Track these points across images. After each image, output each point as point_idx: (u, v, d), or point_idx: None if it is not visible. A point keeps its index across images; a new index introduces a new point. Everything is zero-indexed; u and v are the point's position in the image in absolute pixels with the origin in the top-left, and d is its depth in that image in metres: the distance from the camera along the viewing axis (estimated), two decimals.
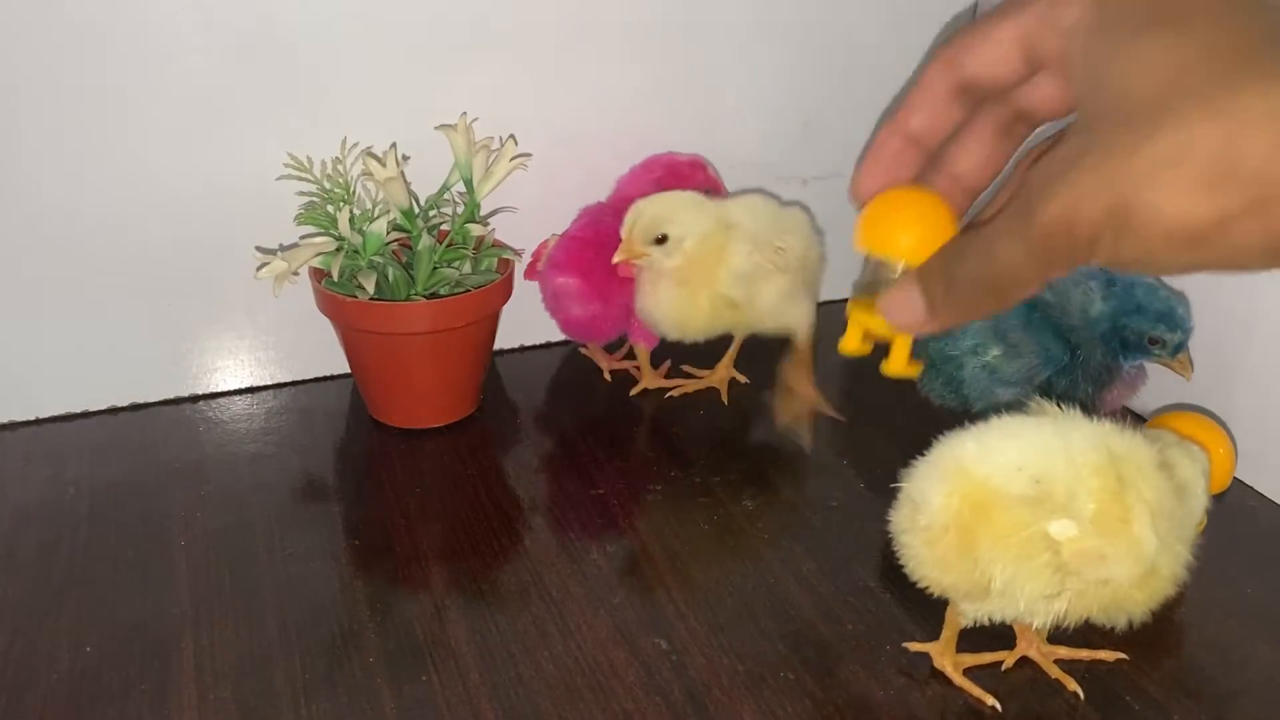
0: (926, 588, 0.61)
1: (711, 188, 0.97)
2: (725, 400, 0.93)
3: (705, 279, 0.85)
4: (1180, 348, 0.78)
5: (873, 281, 0.58)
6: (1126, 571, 0.57)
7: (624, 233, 0.85)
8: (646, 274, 0.87)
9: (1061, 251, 0.40)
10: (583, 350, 1.01)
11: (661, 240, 0.84)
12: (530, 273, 0.96)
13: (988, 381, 0.81)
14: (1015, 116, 0.49)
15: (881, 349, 0.54)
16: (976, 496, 0.57)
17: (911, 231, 0.54)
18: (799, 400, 0.89)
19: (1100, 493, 0.56)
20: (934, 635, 0.67)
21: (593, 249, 0.90)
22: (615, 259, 0.85)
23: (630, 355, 0.98)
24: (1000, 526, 0.57)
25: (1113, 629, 0.61)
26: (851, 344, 0.59)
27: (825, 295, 0.99)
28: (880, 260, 0.57)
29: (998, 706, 0.62)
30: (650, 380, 0.96)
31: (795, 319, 0.90)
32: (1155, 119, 0.38)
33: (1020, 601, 0.58)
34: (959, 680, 0.63)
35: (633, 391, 0.95)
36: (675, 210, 0.85)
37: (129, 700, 0.62)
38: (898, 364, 0.57)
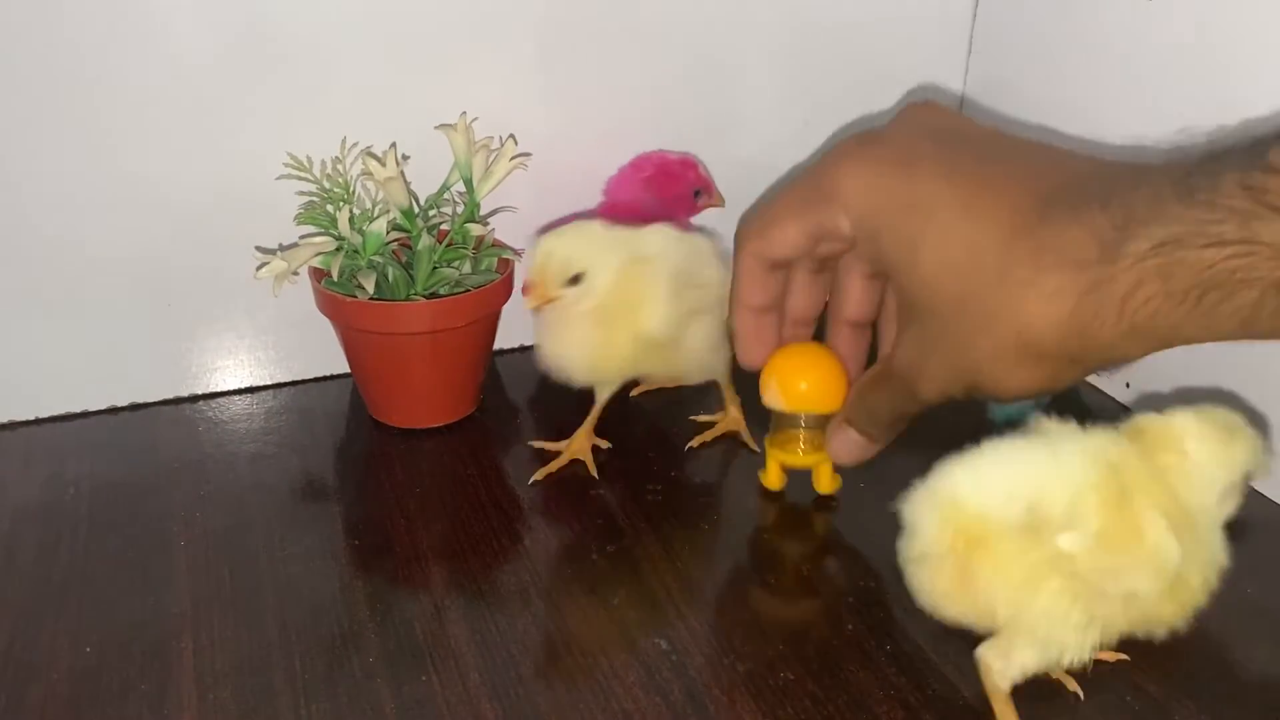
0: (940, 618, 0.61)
1: (702, 187, 0.97)
2: (594, 473, 0.83)
3: (626, 319, 0.78)
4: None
5: (782, 426, 0.78)
6: (1150, 584, 0.56)
7: (534, 275, 0.77)
8: (554, 316, 0.79)
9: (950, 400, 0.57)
10: None
11: (575, 280, 0.76)
12: None
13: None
14: (818, 265, 0.65)
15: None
16: (972, 530, 0.57)
17: (810, 385, 0.72)
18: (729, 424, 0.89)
19: (1102, 507, 0.55)
20: (934, 635, 0.67)
21: None
22: (529, 305, 0.78)
23: None
24: (999, 556, 0.56)
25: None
26: (773, 479, 0.80)
27: None
28: (787, 412, 0.75)
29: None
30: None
31: (718, 366, 0.85)
32: (968, 312, 0.51)
33: (1047, 638, 0.57)
34: None
35: (633, 393, 0.95)
36: (587, 246, 0.78)
37: (129, 700, 0.61)
38: (825, 483, 0.79)
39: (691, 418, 0.91)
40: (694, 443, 0.87)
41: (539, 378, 0.98)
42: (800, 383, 0.73)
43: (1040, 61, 0.99)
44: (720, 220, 1.00)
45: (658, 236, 0.81)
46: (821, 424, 0.75)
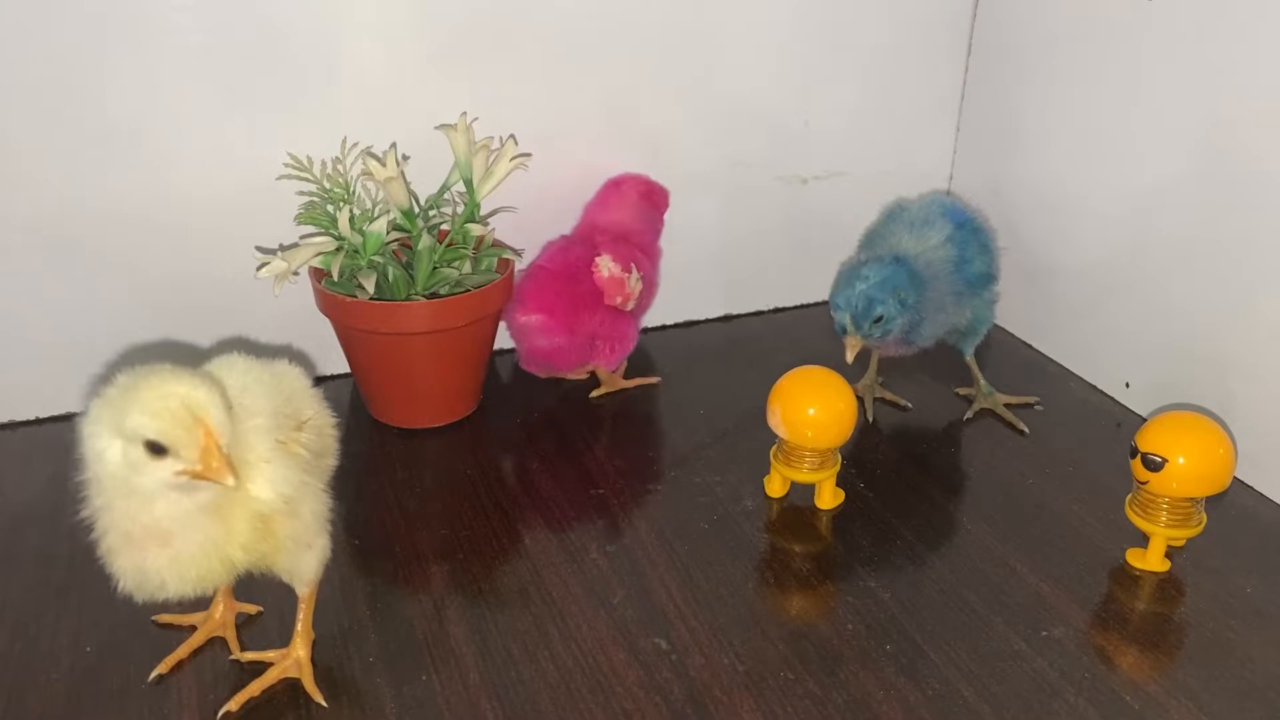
0: None
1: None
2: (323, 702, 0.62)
3: (237, 493, 0.55)
4: (843, 329, 0.83)
5: (787, 446, 0.78)
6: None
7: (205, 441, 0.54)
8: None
9: None
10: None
11: (158, 450, 0.52)
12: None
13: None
14: None
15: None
16: None
17: (816, 417, 0.76)
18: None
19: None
20: (933, 634, 0.67)
21: (560, 280, 0.91)
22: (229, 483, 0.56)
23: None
24: None
25: None
26: (776, 488, 0.81)
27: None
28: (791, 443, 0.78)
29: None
30: (610, 383, 0.96)
31: (316, 557, 0.62)
32: None
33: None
34: None
35: (593, 394, 0.95)
36: (161, 399, 0.53)
37: (129, 700, 0.62)
38: (827, 499, 0.80)
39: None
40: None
41: (539, 378, 0.99)
42: (807, 411, 0.76)
43: (1040, 62, 0.99)
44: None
45: (237, 374, 0.61)
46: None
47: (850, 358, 0.83)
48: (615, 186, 0.97)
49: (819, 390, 0.77)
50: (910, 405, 0.94)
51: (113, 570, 0.56)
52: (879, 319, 0.81)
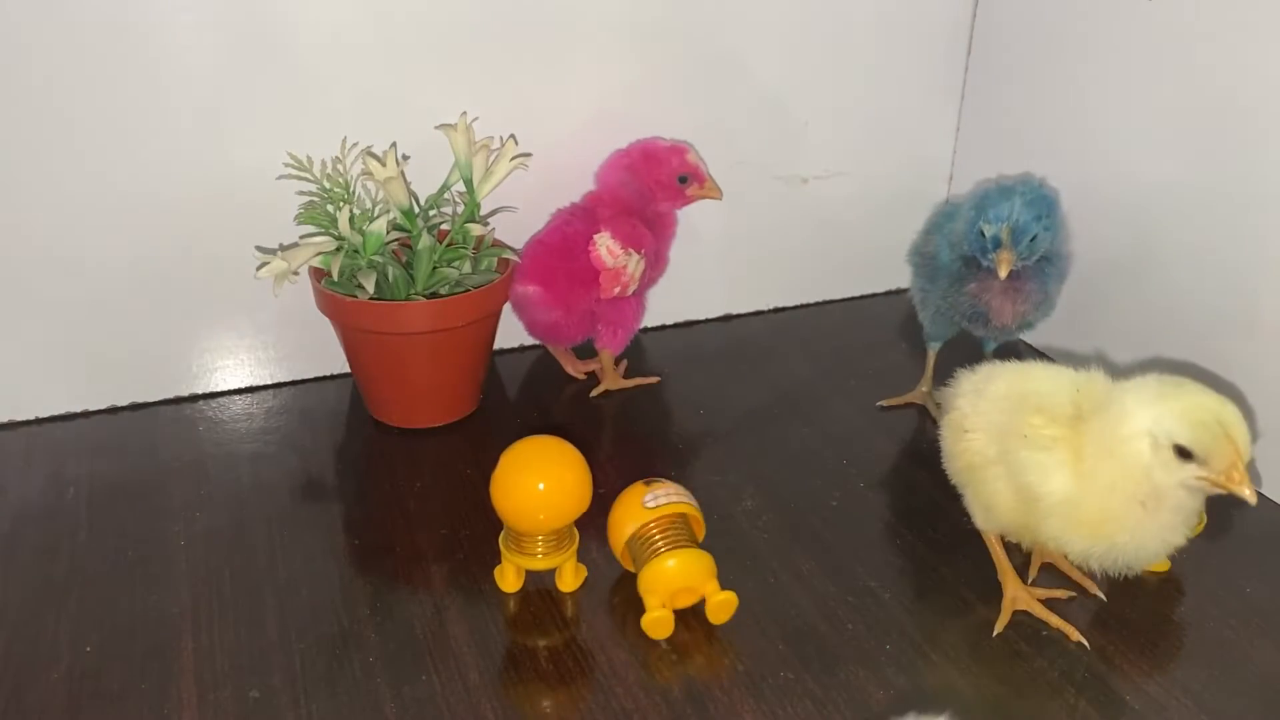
0: None
1: (691, 174, 0.94)
2: None
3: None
4: (996, 243, 0.80)
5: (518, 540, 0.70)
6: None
7: None
8: None
9: None
10: (553, 352, 1.01)
11: (1185, 455, 0.59)
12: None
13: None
14: None
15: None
16: None
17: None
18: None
19: None
20: (934, 635, 0.67)
21: (557, 256, 0.90)
22: None
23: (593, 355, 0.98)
24: None
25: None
26: (509, 582, 0.72)
27: (836, 294, 0.98)
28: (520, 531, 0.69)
29: (1085, 642, 0.66)
30: (611, 381, 0.96)
31: None
32: None
33: None
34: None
35: (593, 393, 0.95)
36: None
37: (129, 700, 0.62)
38: (569, 581, 0.72)
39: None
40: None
41: (539, 378, 0.99)
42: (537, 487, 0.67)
43: (1040, 62, 0.99)
44: (718, 211, 1.00)
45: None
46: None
47: (1004, 273, 0.79)
48: (620, 151, 0.94)
49: (542, 466, 0.68)
50: None
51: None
52: (1034, 237, 0.79)
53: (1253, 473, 0.81)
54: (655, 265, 0.95)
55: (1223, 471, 0.58)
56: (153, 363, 0.91)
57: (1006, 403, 0.66)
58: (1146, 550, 0.62)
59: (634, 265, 0.91)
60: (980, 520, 0.70)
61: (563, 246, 0.90)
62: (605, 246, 0.89)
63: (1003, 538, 0.71)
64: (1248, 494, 0.57)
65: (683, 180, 0.94)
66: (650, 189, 0.93)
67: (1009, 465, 0.64)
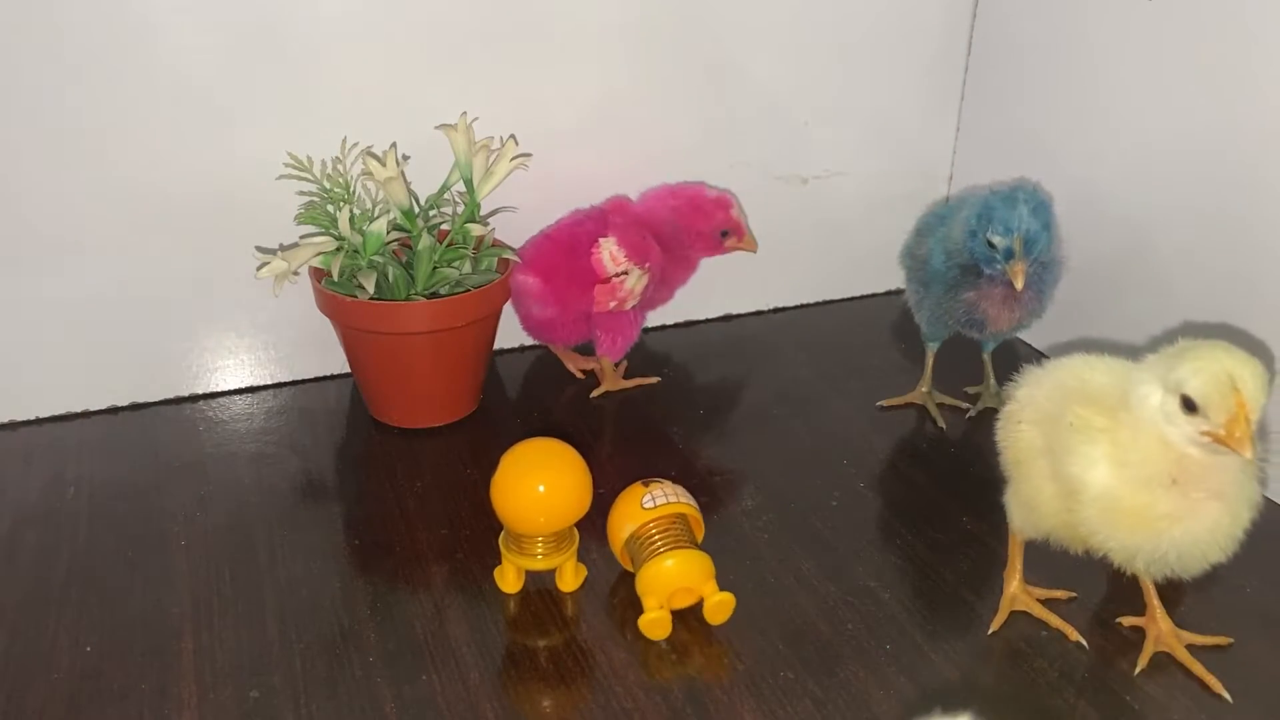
0: None
1: (731, 229, 0.95)
2: None
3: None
4: (1009, 254, 0.79)
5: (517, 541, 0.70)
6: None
7: None
8: None
9: None
10: (554, 350, 1.01)
11: (1191, 407, 0.57)
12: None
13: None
14: None
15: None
16: None
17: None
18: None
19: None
20: (933, 634, 0.67)
21: (562, 252, 0.91)
22: None
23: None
24: None
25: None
26: (510, 582, 0.71)
27: (836, 294, 0.98)
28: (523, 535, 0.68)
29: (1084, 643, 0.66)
30: (611, 382, 0.96)
31: None
32: None
33: None
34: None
35: (593, 394, 0.95)
36: None
37: (129, 700, 0.61)
38: (569, 581, 0.71)
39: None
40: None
41: (540, 378, 0.99)
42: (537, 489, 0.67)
43: (1040, 62, 0.99)
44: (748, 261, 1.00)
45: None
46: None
47: (1021, 284, 0.78)
48: (670, 190, 0.95)
49: (542, 468, 0.68)
50: (972, 409, 0.93)
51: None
52: (1039, 242, 0.79)
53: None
54: (662, 289, 0.96)
55: (1223, 425, 0.55)
56: (153, 363, 0.91)
57: (1059, 393, 0.64)
58: (1195, 542, 0.58)
59: (633, 280, 0.91)
60: (1017, 521, 0.68)
61: (569, 244, 0.91)
62: (608, 251, 0.90)
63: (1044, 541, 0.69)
64: (1246, 451, 0.54)
65: (723, 235, 0.95)
66: (690, 238, 0.95)
67: (1054, 455, 0.63)
